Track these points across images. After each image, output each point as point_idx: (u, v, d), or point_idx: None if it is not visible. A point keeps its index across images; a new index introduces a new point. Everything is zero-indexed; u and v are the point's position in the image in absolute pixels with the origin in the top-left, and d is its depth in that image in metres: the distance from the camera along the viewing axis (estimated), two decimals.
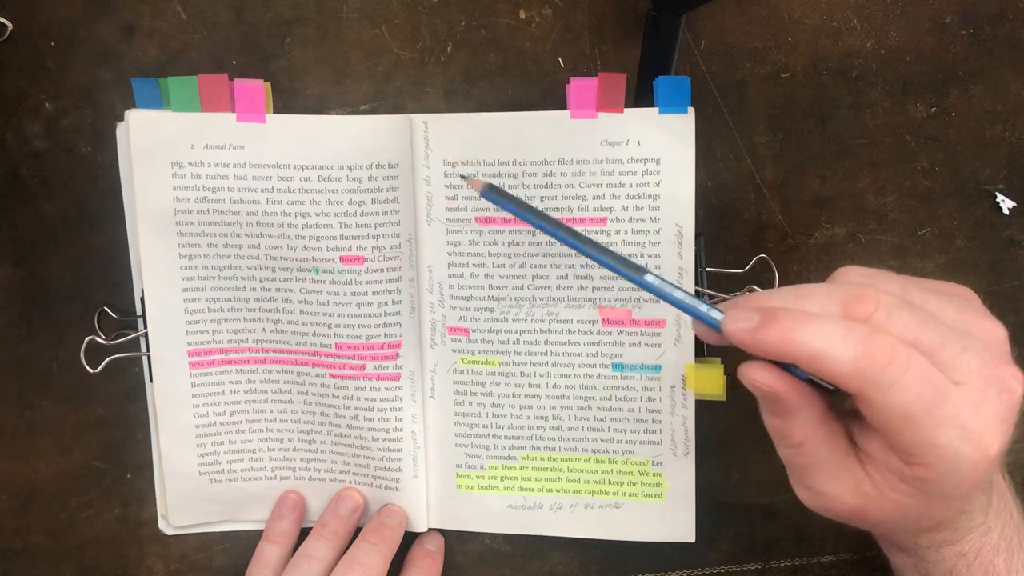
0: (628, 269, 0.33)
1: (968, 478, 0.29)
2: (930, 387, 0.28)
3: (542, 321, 0.42)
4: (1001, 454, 0.29)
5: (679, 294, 0.32)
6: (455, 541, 0.46)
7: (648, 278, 0.33)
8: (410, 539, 0.45)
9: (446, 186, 0.41)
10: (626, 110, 0.40)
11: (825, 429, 0.31)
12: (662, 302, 0.40)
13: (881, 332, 0.28)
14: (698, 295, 0.41)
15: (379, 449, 0.43)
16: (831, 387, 0.30)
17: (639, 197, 0.40)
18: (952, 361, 0.28)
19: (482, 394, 0.43)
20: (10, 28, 0.42)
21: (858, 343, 0.28)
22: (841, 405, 0.32)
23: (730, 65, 0.42)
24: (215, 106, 0.41)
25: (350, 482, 0.44)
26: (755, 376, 0.30)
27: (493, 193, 0.35)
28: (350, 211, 0.41)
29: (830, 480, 0.31)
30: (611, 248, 0.35)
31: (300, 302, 0.42)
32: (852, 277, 0.32)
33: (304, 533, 0.44)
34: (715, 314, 0.31)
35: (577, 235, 0.33)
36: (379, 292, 0.42)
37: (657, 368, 0.42)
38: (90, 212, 0.43)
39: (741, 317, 0.30)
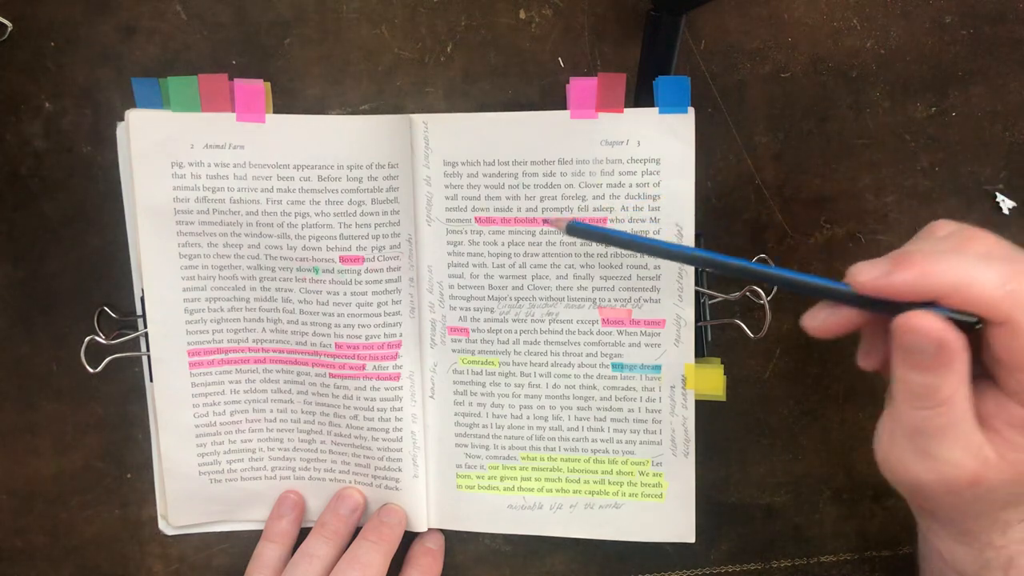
0: (727, 266, 0.34)
1: None
2: None
3: (542, 321, 0.42)
4: None
5: (801, 277, 0.33)
6: (455, 541, 0.46)
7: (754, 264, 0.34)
8: (410, 538, 0.45)
9: (446, 186, 0.41)
10: (626, 110, 0.40)
11: (967, 387, 0.30)
12: (664, 301, 0.41)
13: (1020, 258, 0.29)
14: (698, 296, 0.41)
15: (379, 449, 0.43)
16: (973, 320, 0.30)
17: (639, 197, 0.40)
18: None
19: (482, 394, 0.43)
20: (10, 28, 0.42)
21: (1002, 268, 0.28)
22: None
23: (730, 65, 0.42)
24: (215, 106, 0.41)
25: (350, 482, 0.44)
26: (921, 323, 0.29)
27: (577, 230, 0.37)
28: (350, 211, 0.41)
29: (956, 445, 0.30)
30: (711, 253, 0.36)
31: (300, 302, 0.42)
32: (946, 228, 0.33)
33: (304, 533, 0.44)
34: (839, 286, 0.31)
35: (676, 247, 0.35)
36: (379, 292, 0.42)
37: (657, 368, 0.42)
38: (90, 212, 0.43)
39: (869, 266, 0.30)
